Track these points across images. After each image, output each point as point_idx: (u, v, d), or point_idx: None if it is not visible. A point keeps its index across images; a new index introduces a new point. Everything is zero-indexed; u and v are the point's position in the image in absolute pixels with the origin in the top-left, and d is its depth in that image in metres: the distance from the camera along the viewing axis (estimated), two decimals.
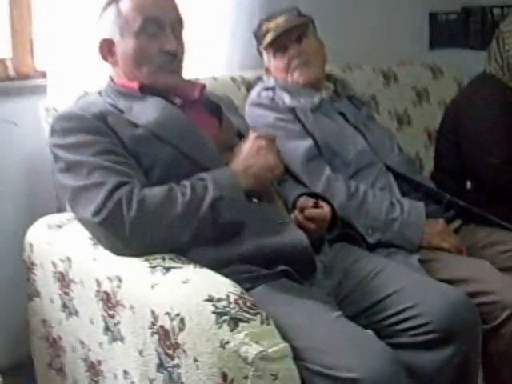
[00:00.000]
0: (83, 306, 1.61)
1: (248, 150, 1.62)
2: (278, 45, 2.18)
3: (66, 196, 1.62)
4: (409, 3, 3.36)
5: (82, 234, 1.62)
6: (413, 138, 2.83)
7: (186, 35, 1.82)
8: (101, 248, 1.57)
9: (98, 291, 1.52)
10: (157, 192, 1.50)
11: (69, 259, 1.63)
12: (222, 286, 1.38)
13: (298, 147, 2.02)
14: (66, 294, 1.66)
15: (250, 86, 2.31)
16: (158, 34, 1.69)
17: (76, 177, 1.55)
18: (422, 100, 2.92)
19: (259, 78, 2.31)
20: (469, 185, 2.42)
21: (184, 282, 1.39)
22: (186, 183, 1.54)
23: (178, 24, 1.75)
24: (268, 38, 2.17)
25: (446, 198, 2.10)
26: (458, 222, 2.13)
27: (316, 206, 1.70)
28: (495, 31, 2.42)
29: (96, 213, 1.47)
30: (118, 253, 1.52)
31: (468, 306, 1.57)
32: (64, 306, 1.69)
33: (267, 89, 2.17)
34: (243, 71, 2.44)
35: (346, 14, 3.03)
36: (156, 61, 1.70)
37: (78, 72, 2.08)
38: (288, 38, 2.16)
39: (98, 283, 1.52)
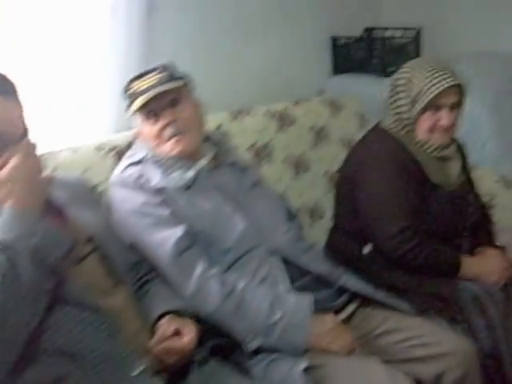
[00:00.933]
0: None
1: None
2: (149, 110, 1.90)
3: None
4: (308, 28, 3.14)
5: None
6: (312, 184, 2.63)
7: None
8: None
9: None
10: None
11: None
12: None
13: (167, 238, 1.76)
14: None
15: (121, 154, 2.04)
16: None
17: None
18: (320, 141, 2.71)
19: (131, 145, 2.03)
20: (368, 249, 2.21)
21: None
22: None
23: (23, 136, 1.42)
24: (138, 102, 1.87)
25: (337, 283, 1.90)
26: (352, 307, 1.93)
27: (178, 332, 1.47)
28: (391, 79, 2.21)
29: None
30: None
31: None
32: None
33: (134, 164, 1.90)
34: (115, 135, 2.15)
35: (236, 51, 2.78)
36: None
37: None
38: (160, 102, 1.88)
39: None
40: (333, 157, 2.70)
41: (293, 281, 1.84)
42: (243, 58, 2.78)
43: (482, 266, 2.12)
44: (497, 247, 2.28)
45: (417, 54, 3.34)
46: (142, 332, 1.49)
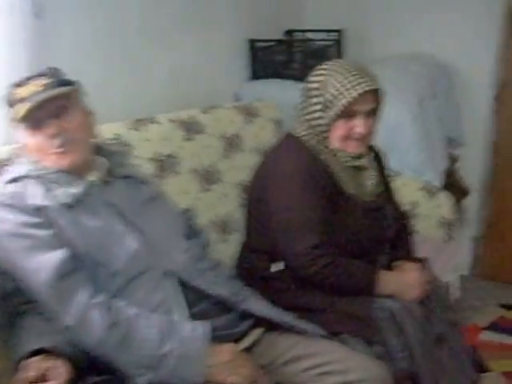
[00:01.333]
0: None
1: None
2: (33, 119, 1.69)
3: None
4: (224, 30, 3.00)
5: None
6: (223, 197, 2.47)
7: None
8: None
9: None
10: None
11: None
12: None
13: (46, 262, 1.56)
14: None
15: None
16: None
17: None
18: (232, 150, 2.55)
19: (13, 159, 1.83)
20: (277, 267, 2.05)
21: None
22: None
23: None
24: (20, 111, 1.66)
25: (240, 307, 1.74)
26: (257, 332, 1.78)
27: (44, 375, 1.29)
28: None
29: None
30: None
31: None
32: None
33: (14, 180, 1.70)
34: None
35: (142, 55, 2.58)
36: None
37: None
38: (45, 111, 1.68)
39: None
40: (246, 167, 2.53)
41: (191, 305, 1.67)
42: (150, 63, 2.60)
43: (399, 282, 2.00)
44: (416, 260, 2.16)
45: (339, 58, 3.23)
46: (8, 373, 1.30)
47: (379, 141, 2.20)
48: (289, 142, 2.07)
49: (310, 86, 2.00)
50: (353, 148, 1.99)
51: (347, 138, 1.98)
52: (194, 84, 2.82)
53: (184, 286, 1.69)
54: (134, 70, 2.53)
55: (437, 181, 2.85)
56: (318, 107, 1.96)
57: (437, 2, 3.28)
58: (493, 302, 3.35)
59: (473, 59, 3.24)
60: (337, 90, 1.91)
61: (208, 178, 2.41)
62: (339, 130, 1.96)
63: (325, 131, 1.98)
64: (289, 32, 3.36)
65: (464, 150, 3.36)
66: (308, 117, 2.00)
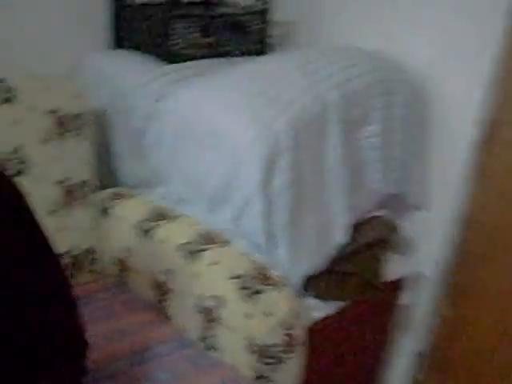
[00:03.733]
0: None
1: None
2: None
3: None
4: None
5: None
6: None
7: None
8: None
9: None
10: None
11: None
12: None
13: None
14: None
15: None
16: None
17: None
18: None
19: None
20: None
21: None
22: None
23: None
24: None
25: None
26: None
27: None
28: None
29: None
30: None
31: None
32: None
33: None
34: None
35: None
36: None
37: None
38: None
39: None
40: None
41: None
42: None
43: None
44: None
45: (262, 34, 2.18)
46: None
47: None
48: None
49: None
50: None
51: None
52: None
53: None
54: None
55: (299, 265, 1.65)
56: None
57: None
58: None
59: (457, 72, 1.91)
60: None
61: None
62: None
63: None
64: None
65: (419, 217, 2.06)
66: None
